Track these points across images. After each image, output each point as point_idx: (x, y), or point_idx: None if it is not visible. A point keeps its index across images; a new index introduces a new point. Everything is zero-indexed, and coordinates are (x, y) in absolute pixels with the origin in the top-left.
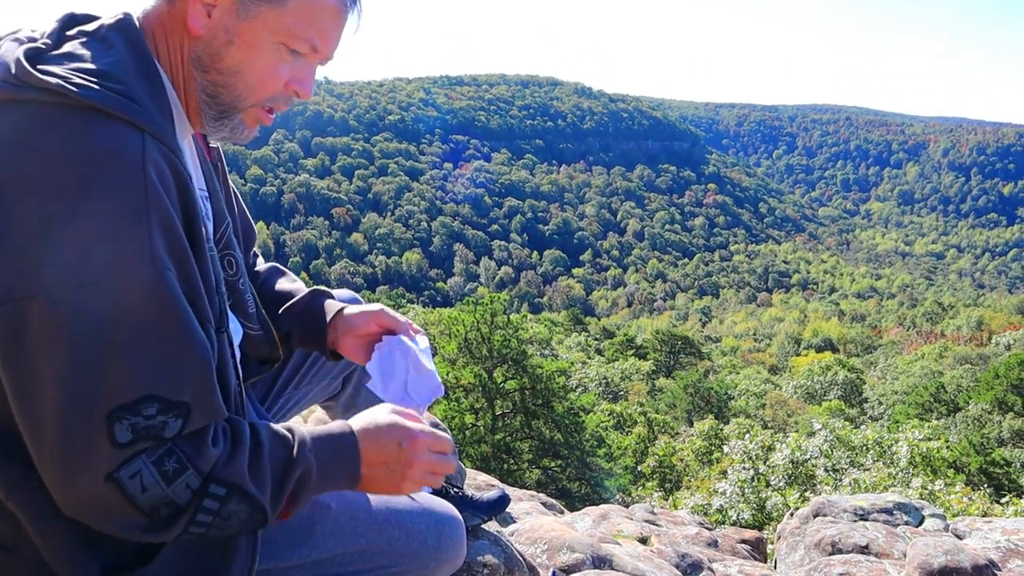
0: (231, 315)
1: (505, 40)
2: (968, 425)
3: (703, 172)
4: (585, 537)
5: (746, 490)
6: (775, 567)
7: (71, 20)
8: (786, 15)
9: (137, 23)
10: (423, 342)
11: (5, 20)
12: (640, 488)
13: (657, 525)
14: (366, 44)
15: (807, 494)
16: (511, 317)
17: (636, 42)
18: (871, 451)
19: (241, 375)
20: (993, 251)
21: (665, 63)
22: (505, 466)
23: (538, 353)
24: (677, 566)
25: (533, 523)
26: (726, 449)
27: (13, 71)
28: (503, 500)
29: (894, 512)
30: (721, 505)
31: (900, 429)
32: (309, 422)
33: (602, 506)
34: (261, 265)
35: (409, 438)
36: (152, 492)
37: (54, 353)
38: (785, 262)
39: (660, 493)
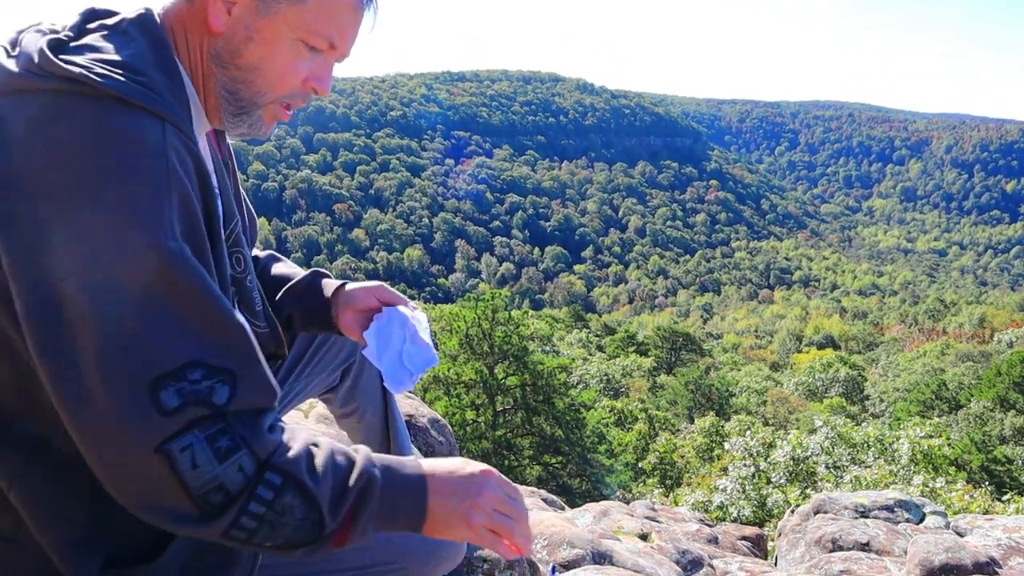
0: (238, 312)
1: (507, 36)
2: (970, 422)
3: (705, 168)
4: (585, 533)
5: (747, 487)
6: (776, 564)
7: (91, 14)
8: (788, 11)
9: (158, 19)
10: (422, 318)
11: (5, 20)
12: (641, 485)
13: (658, 522)
14: (368, 39)
15: (808, 491)
16: (512, 313)
17: (638, 38)
18: (872, 448)
19: None
20: (996, 248)
21: (667, 59)
22: (506, 462)
23: (539, 349)
24: (678, 562)
25: (533, 519)
26: (727, 446)
27: (36, 60)
28: None
29: (895, 509)
30: (722, 502)
31: (901, 426)
32: (310, 418)
33: (603, 503)
34: (258, 252)
35: (477, 467)
36: (203, 470)
37: (91, 331)
38: (787, 259)
39: (661, 490)
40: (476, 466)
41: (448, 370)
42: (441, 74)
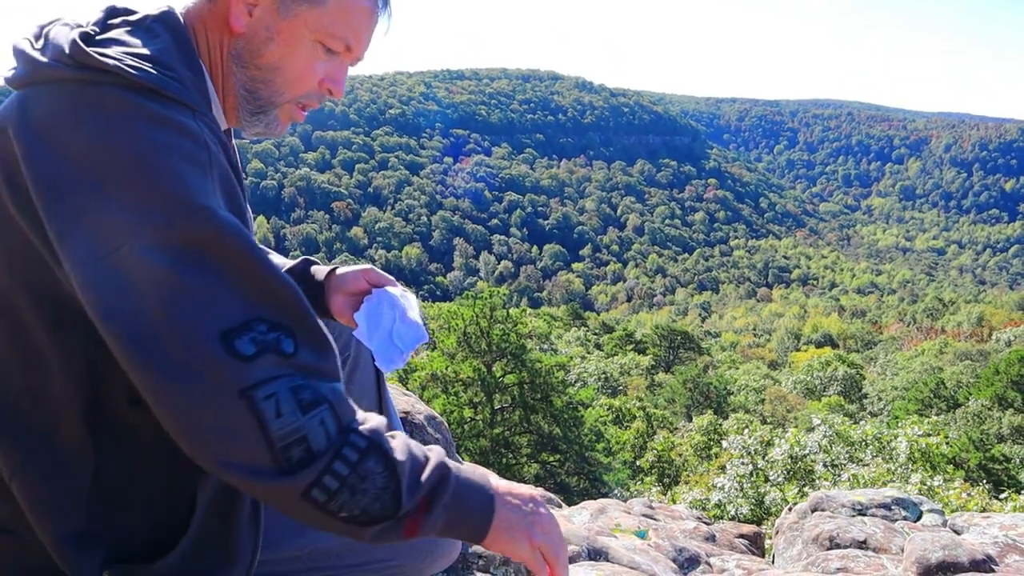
0: None
1: (506, 34)
2: (968, 421)
3: (704, 167)
4: (581, 530)
5: (745, 485)
6: (773, 562)
7: (112, 12)
8: (787, 10)
9: (180, 18)
10: (412, 298)
11: (5, 19)
12: (639, 483)
13: (655, 519)
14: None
15: (806, 489)
16: (510, 311)
17: (637, 36)
18: (870, 446)
19: None
20: (994, 247)
21: (666, 58)
22: (504, 460)
23: (537, 347)
24: (675, 560)
25: None
26: (725, 444)
27: (68, 51)
28: None
29: (892, 507)
30: (719, 500)
31: (899, 425)
32: None
33: (600, 500)
34: None
35: (532, 488)
36: (287, 419)
37: (157, 292)
38: (785, 257)
39: (659, 488)
40: (530, 487)
41: (446, 368)
42: (440, 72)
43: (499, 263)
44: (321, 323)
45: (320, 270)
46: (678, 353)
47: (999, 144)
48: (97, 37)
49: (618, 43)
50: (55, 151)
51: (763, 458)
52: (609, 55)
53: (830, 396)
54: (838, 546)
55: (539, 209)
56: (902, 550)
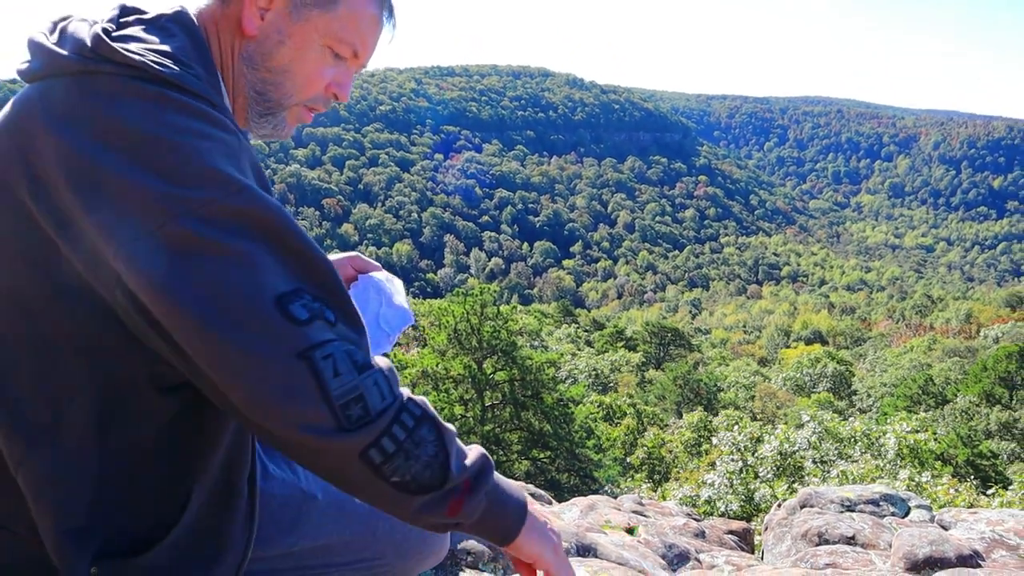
0: None
1: (497, 30)
2: (956, 417)
3: (694, 164)
4: (570, 526)
5: (734, 481)
6: (762, 558)
7: (124, 11)
8: (778, 8)
9: (194, 19)
10: (397, 283)
11: (5, 19)
12: (629, 479)
13: (645, 516)
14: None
15: (795, 485)
16: (501, 308)
17: (629, 33)
18: (859, 443)
19: None
20: (983, 244)
21: (657, 55)
22: (494, 457)
23: (528, 344)
24: (664, 556)
25: None
26: (715, 441)
27: (89, 45)
28: None
29: (881, 503)
30: (709, 496)
31: (888, 421)
32: None
33: (590, 497)
34: None
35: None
36: (344, 378)
37: (207, 266)
38: (775, 254)
39: (649, 484)
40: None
41: (436, 365)
42: (431, 68)
43: (490, 260)
44: (353, 302)
45: None
46: (668, 350)
47: (987, 141)
48: (114, 34)
49: (609, 40)
50: (90, 137)
51: (753, 455)
52: (600, 52)
53: (819, 393)
54: (827, 542)
55: (530, 206)
56: (890, 546)
